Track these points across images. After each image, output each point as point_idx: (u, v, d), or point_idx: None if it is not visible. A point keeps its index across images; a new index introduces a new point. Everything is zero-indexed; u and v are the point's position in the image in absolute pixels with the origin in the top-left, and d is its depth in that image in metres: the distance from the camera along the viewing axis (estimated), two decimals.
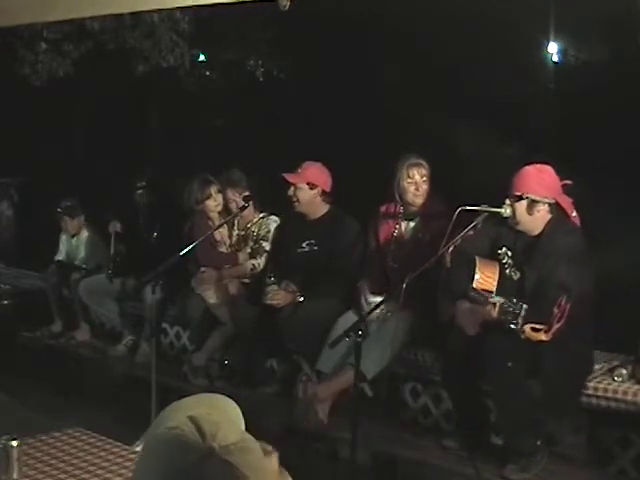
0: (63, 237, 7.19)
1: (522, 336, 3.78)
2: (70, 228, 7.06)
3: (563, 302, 3.69)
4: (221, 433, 1.24)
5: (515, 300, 3.83)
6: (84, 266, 6.97)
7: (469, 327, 4.19)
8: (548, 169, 4.23)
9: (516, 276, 4.23)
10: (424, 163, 5.00)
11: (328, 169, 5.41)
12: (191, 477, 1.21)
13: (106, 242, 6.98)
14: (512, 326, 3.80)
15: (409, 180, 4.96)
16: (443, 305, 4.43)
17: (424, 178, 4.97)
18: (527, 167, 4.22)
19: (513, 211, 4.20)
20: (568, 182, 4.29)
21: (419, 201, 5.00)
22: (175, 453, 1.22)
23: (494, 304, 3.89)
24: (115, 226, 6.61)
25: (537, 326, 3.72)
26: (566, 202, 4.27)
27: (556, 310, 3.69)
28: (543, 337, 3.73)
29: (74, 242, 7.13)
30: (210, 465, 1.21)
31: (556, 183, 4.23)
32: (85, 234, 7.08)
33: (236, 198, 5.80)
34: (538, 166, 4.23)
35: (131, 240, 6.62)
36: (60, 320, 6.99)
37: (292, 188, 5.32)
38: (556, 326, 3.69)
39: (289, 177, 5.31)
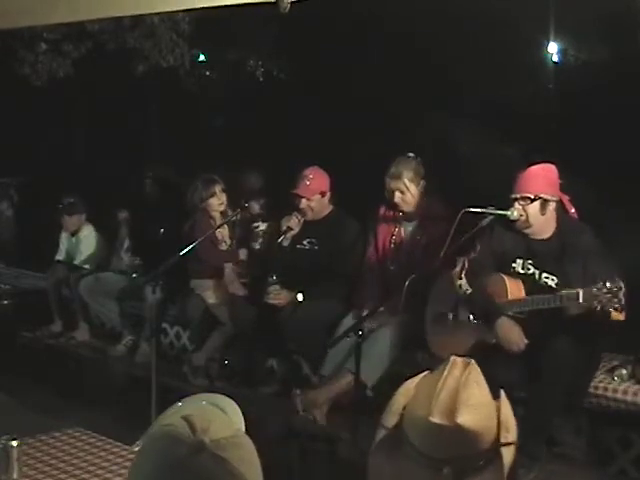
0: (63, 235, 7.19)
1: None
2: (70, 225, 7.05)
3: (617, 279, 3.65)
4: (212, 428, 1.26)
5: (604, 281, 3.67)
6: (86, 266, 6.96)
7: (517, 343, 4.05)
8: (552, 168, 4.22)
9: (554, 282, 4.11)
10: (402, 170, 4.90)
11: (329, 169, 5.41)
12: (182, 470, 1.22)
13: (105, 240, 6.98)
14: (613, 309, 3.65)
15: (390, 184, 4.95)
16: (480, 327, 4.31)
17: (403, 184, 4.89)
18: (533, 167, 4.18)
19: (526, 214, 4.14)
20: (560, 181, 4.30)
21: (399, 202, 4.95)
22: (166, 447, 1.24)
23: (577, 294, 3.71)
24: (125, 216, 6.64)
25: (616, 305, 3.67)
26: (565, 199, 4.28)
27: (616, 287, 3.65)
28: (621, 317, 3.69)
29: (74, 241, 7.12)
30: (201, 459, 1.22)
31: (558, 181, 4.24)
32: (85, 232, 7.07)
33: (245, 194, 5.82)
34: (543, 165, 4.21)
35: (138, 238, 6.62)
36: (60, 320, 6.99)
37: (304, 201, 5.29)
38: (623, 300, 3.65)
39: (302, 192, 5.28)
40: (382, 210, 5.15)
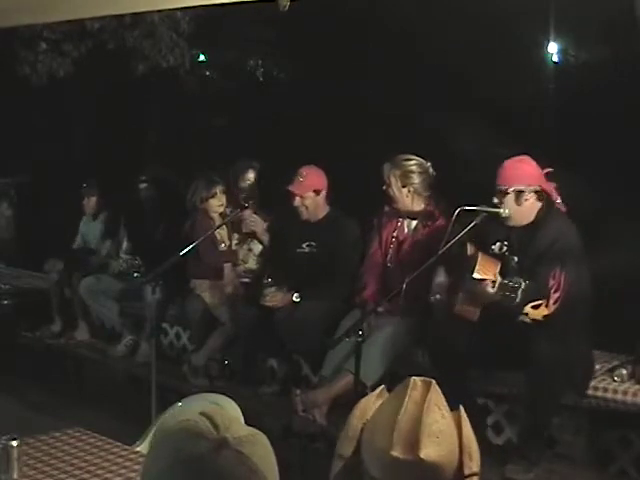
0: (83, 220, 7.14)
1: (526, 319, 3.80)
2: (88, 208, 7.01)
3: (557, 273, 3.72)
4: (233, 426, 1.28)
5: (515, 277, 3.86)
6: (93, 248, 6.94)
7: (471, 313, 4.16)
8: (526, 158, 4.29)
9: (514, 262, 4.24)
10: (402, 172, 4.90)
11: (328, 169, 5.40)
12: (205, 464, 1.24)
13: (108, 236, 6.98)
14: (511, 302, 3.79)
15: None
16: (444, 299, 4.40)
17: (403, 185, 4.89)
18: (507, 161, 4.28)
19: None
20: (550, 169, 4.32)
21: (401, 203, 4.96)
22: (188, 441, 1.25)
23: (493, 282, 3.90)
24: (124, 216, 6.63)
25: (536, 303, 3.73)
26: (550, 188, 4.30)
27: (552, 281, 3.72)
28: (545, 312, 3.73)
29: (91, 224, 7.07)
30: (224, 454, 1.24)
31: (537, 171, 4.28)
32: (102, 217, 7.03)
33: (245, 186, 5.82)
34: (516, 158, 4.29)
35: (137, 238, 6.62)
36: (60, 320, 6.99)
37: (298, 198, 5.28)
38: (554, 296, 3.71)
39: (295, 189, 5.27)
40: (383, 211, 5.14)
